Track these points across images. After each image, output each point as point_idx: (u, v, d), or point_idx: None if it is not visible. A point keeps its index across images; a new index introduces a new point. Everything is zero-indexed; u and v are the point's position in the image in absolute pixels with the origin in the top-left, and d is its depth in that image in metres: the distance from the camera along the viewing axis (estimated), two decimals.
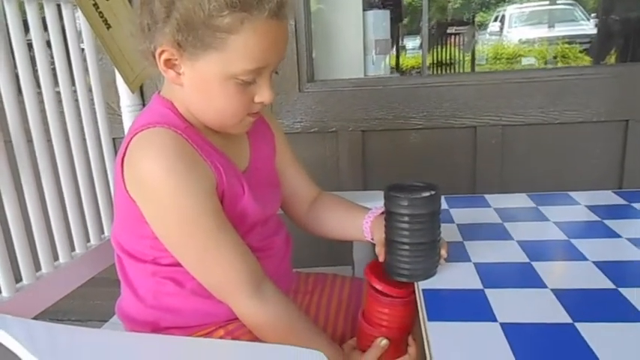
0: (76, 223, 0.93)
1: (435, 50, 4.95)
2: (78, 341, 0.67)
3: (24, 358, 0.61)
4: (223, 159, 0.72)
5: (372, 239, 0.81)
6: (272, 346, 0.64)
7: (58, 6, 0.91)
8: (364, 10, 1.66)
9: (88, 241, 0.97)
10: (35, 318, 0.81)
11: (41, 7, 0.87)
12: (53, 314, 0.91)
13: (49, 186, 0.86)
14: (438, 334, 0.56)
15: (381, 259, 0.72)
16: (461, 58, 4.83)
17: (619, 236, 0.78)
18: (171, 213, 0.68)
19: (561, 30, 5.76)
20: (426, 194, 0.67)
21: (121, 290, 0.82)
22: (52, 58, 0.90)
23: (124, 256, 0.77)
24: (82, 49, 0.98)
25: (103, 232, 1.01)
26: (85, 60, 0.98)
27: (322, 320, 0.84)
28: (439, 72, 4.68)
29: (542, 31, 6.01)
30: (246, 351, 0.62)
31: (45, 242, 0.85)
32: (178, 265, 0.72)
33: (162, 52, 0.66)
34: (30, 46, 0.84)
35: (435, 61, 4.94)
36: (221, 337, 0.74)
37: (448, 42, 4.98)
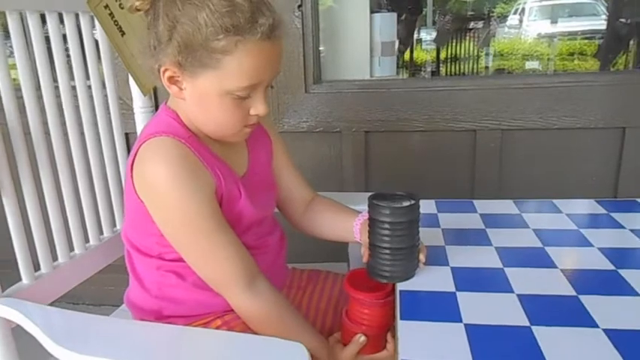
0: (90, 217, 1.00)
1: (450, 45, 4.90)
2: (89, 327, 0.75)
3: (40, 340, 0.69)
4: (223, 166, 0.79)
5: (361, 240, 0.87)
6: (256, 336, 0.71)
7: (77, 15, 0.98)
8: (372, 12, 1.70)
9: (102, 233, 1.05)
10: (52, 302, 0.88)
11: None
12: (69, 298, 0.99)
13: (65, 182, 0.93)
14: (408, 332, 0.62)
15: (364, 260, 0.78)
16: (476, 53, 4.79)
17: (591, 245, 0.83)
18: (175, 216, 0.75)
19: (581, 25, 5.67)
20: (406, 203, 0.73)
21: (129, 281, 0.89)
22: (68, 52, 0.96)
23: (132, 251, 0.85)
24: (96, 42, 1.03)
25: (115, 226, 1.08)
26: (99, 57, 1.04)
27: (312, 315, 0.90)
28: (454, 67, 4.65)
29: (561, 26, 5.91)
30: (233, 341, 0.70)
31: (61, 234, 0.92)
32: (181, 260, 0.79)
33: (166, 70, 0.73)
34: (47, 39, 0.89)
35: (450, 56, 4.89)
36: (218, 327, 0.81)
37: (466, 36, 4.93)
